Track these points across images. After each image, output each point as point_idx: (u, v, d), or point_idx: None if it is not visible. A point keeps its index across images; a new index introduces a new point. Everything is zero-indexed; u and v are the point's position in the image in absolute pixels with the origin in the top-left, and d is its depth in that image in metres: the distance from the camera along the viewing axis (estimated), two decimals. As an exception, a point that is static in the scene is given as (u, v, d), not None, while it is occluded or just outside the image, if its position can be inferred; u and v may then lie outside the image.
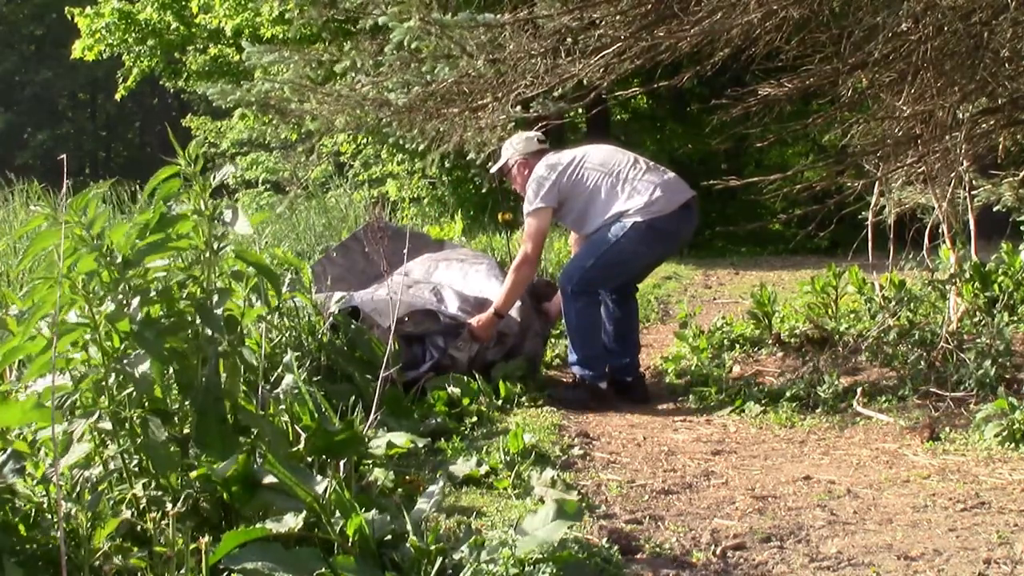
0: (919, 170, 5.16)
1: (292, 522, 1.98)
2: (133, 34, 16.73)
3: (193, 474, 2.10)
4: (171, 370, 2.22)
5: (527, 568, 2.00)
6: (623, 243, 4.06)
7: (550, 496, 2.70)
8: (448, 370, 4.13)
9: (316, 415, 2.81)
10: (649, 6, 4.25)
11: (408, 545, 2.01)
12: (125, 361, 2.08)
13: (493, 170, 4.68)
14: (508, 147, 4.55)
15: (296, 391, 2.83)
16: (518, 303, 4.39)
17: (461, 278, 4.78)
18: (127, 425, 2.10)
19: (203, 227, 2.28)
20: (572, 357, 4.27)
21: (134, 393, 2.13)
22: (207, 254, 2.29)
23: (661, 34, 4.31)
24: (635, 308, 4.53)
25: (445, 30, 4.33)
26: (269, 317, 3.29)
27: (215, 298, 2.25)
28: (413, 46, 4.55)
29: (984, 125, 4.84)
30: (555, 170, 4.22)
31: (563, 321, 4.36)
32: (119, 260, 2.15)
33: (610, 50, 4.36)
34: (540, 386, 4.36)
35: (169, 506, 1.97)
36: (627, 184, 4.12)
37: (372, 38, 4.85)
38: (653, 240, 4.09)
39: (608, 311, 4.39)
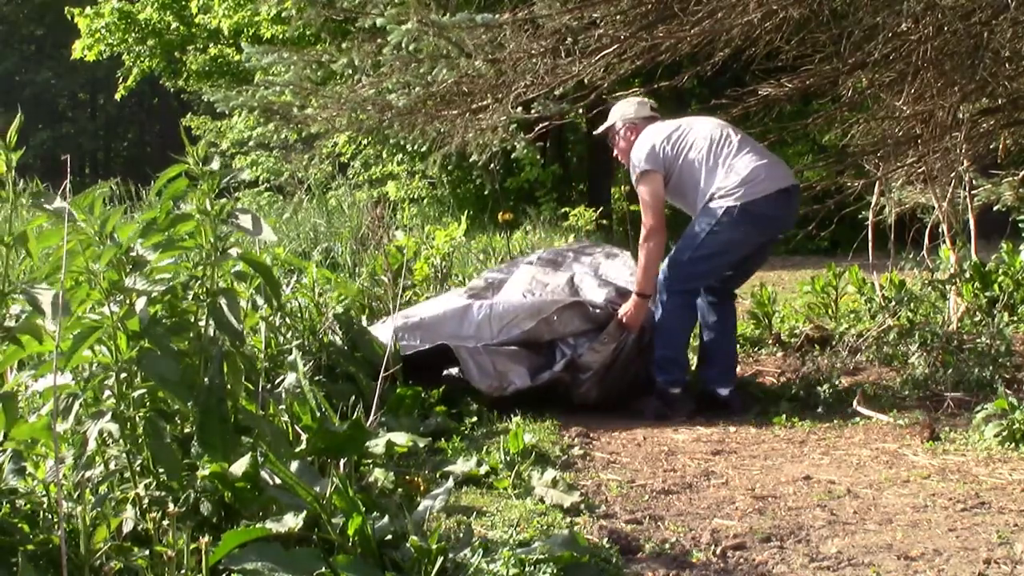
0: (919, 170, 5.18)
1: (292, 522, 1.98)
2: (133, 34, 16.77)
3: (201, 474, 2.10)
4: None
5: (527, 568, 2.00)
6: (718, 231, 3.86)
7: (551, 496, 2.70)
8: (585, 371, 3.94)
9: (317, 415, 2.81)
10: (649, 6, 4.25)
11: (409, 545, 2.01)
12: (142, 362, 2.07)
13: (598, 132, 4.47)
14: (617, 111, 4.32)
15: (298, 390, 2.83)
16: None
17: (594, 271, 4.52)
18: (129, 425, 2.10)
19: (208, 227, 2.28)
20: (653, 356, 4.04)
21: (137, 394, 2.13)
22: (212, 255, 2.29)
23: (661, 34, 4.31)
24: (732, 314, 4.24)
25: (443, 31, 4.31)
26: (271, 318, 3.30)
27: (223, 299, 2.25)
28: (411, 47, 4.52)
29: (984, 125, 4.86)
30: (659, 136, 4.04)
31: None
32: (131, 259, 2.15)
33: (610, 50, 4.36)
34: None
35: (171, 506, 1.97)
36: (726, 161, 3.91)
37: (371, 39, 4.84)
38: (749, 225, 3.86)
39: (702, 316, 4.14)
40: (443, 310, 4.11)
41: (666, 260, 4.07)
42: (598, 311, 4.05)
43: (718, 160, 3.93)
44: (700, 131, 4.04)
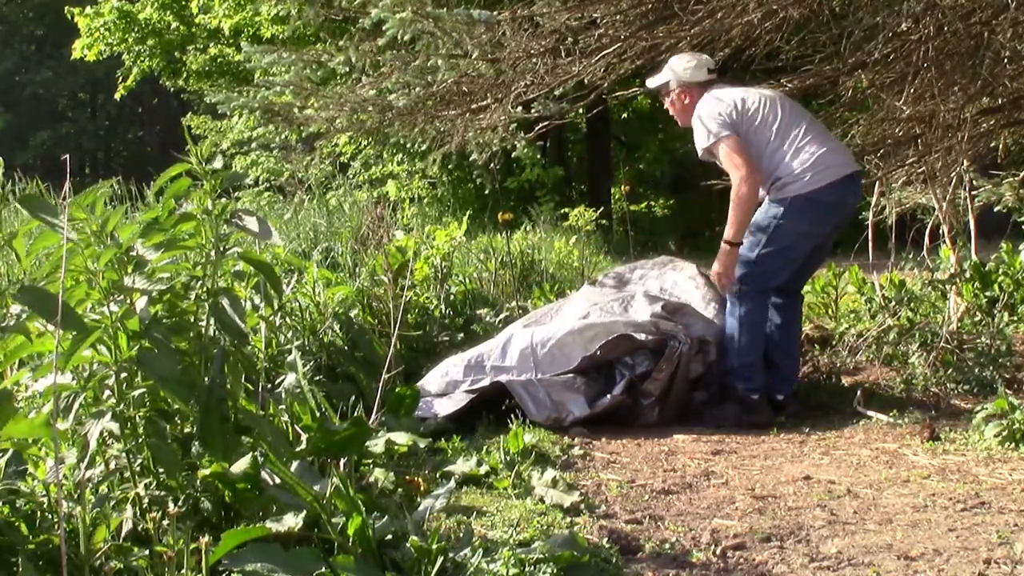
0: (919, 170, 5.17)
1: (292, 522, 1.98)
2: (133, 34, 16.79)
3: (201, 473, 2.10)
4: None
5: (527, 568, 2.00)
6: (784, 224, 3.71)
7: (551, 496, 2.70)
8: (646, 397, 3.81)
9: (317, 415, 2.81)
10: (649, 6, 4.26)
11: (409, 545, 2.01)
12: (142, 361, 2.07)
13: (650, 86, 4.17)
14: (672, 68, 4.03)
15: (298, 390, 2.83)
16: (715, 308, 4.05)
17: (656, 278, 4.44)
18: (129, 425, 2.10)
19: (209, 227, 2.27)
20: (727, 365, 3.87)
21: (138, 393, 2.13)
22: (213, 254, 2.28)
23: (661, 34, 4.31)
24: (799, 313, 4.09)
25: (439, 23, 4.29)
26: (271, 317, 3.30)
27: (226, 299, 2.24)
28: (406, 38, 4.49)
29: (984, 125, 4.86)
30: (727, 104, 3.82)
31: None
32: (131, 258, 2.15)
33: (610, 50, 4.37)
34: None
35: (171, 506, 1.97)
36: (794, 143, 3.74)
37: (371, 38, 4.84)
38: (815, 215, 3.71)
39: (768, 316, 3.93)
40: (481, 345, 4.03)
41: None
42: (643, 336, 3.87)
43: (786, 140, 3.75)
44: (772, 106, 3.84)
